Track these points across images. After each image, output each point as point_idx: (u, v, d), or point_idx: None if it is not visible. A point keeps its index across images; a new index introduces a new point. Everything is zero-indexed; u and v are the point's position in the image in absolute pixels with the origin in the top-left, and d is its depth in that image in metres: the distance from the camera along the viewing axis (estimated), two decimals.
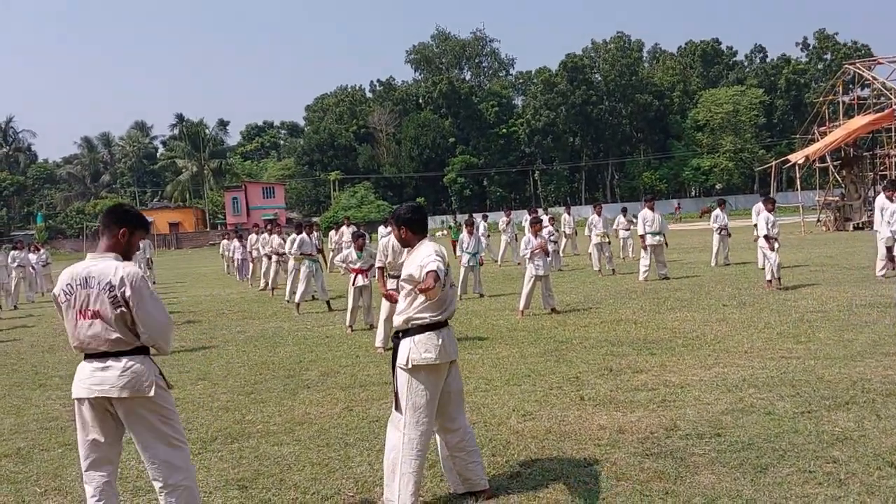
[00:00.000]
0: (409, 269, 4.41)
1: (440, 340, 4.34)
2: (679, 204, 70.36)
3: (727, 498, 4.22)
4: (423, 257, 4.31)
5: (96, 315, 3.66)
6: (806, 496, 4.19)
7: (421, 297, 4.28)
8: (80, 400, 3.75)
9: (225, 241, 26.25)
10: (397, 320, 4.45)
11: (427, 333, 4.33)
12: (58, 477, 5.34)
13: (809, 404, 5.97)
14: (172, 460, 3.76)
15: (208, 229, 78.40)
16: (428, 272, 4.14)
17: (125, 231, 3.83)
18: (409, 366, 4.30)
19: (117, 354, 3.70)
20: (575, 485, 4.59)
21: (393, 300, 4.73)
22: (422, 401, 4.31)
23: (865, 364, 7.25)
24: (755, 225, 17.99)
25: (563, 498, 4.41)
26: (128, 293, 3.66)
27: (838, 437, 5.13)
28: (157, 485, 3.80)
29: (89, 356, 3.75)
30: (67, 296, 3.73)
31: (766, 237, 13.57)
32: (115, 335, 3.67)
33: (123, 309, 3.66)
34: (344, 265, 12.03)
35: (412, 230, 4.57)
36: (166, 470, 3.75)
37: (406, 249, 9.45)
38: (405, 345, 4.35)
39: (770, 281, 13.54)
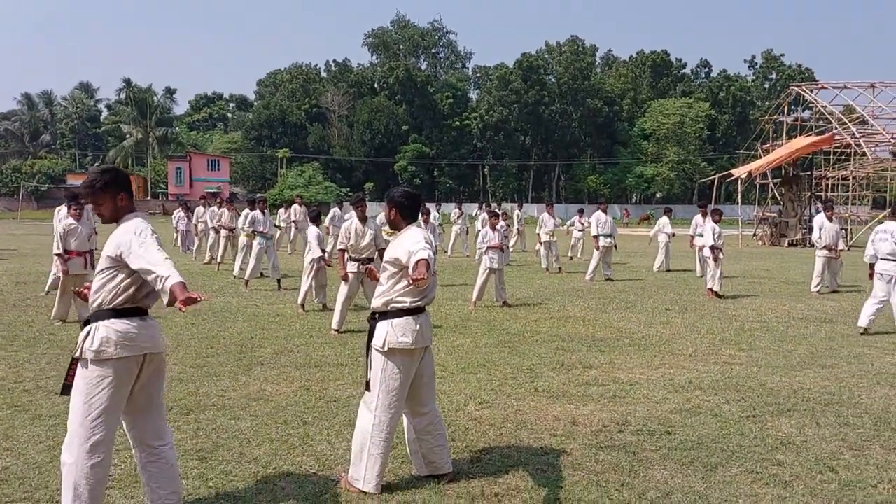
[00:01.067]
0: (395, 253, 4.44)
1: (418, 326, 4.39)
2: (627, 210, 71.73)
3: (680, 493, 4.41)
4: (413, 243, 4.34)
5: None
6: (754, 495, 4.40)
7: (404, 282, 4.32)
8: (129, 358, 3.71)
9: (177, 211, 25.65)
10: (377, 302, 4.48)
11: (406, 318, 4.38)
12: (9, 438, 5.21)
13: (754, 409, 6.24)
14: (165, 417, 4.02)
15: (149, 198, 76.41)
16: (419, 261, 4.15)
17: None
18: (386, 348, 4.34)
19: (148, 312, 3.89)
20: (534, 472, 4.72)
21: (373, 277, 4.74)
22: (395, 384, 4.36)
23: (804, 374, 7.60)
24: (692, 235, 18.60)
25: (523, 484, 4.53)
26: None
27: (782, 442, 5.39)
28: (157, 444, 3.86)
29: (138, 314, 3.79)
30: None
31: (713, 247, 14.01)
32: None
33: None
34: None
35: (402, 214, 4.60)
36: (165, 426, 3.96)
37: (369, 231, 9.58)
38: (382, 327, 4.39)
39: (711, 289, 13.99)
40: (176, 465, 3.96)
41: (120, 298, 3.71)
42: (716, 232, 14.14)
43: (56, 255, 10.03)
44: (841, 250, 15.30)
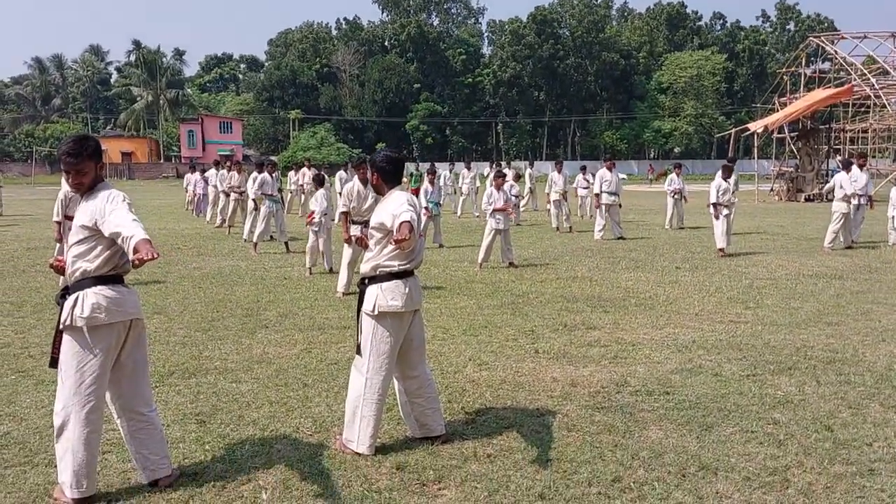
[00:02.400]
0: (380, 217, 4.42)
1: (407, 289, 4.39)
2: (652, 166, 70.42)
3: (673, 453, 4.41)
4: (396, 206, 4.32)
5: None
6: (748, 454, 4.40)
7: (391, 246, 4.31)
8: (118, 324, 3.75)
9: (188, 175, 25.63)
10: (365, 267, 4.48)
11: (394, 281, 4.39)
12: (12, 403, 5.29)
13: (755, 368, 6.21)
14: (150, 383, 4.06)
15: (161, 161, 76.62)
16: (402, 223, 4.15)
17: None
18: (376, 312, 4.36)
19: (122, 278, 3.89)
20: (528, 433, 4.74)
21: (364, 245, 4.75)
22: (385, 347, 4.38)
23: (809, 332, 7.55)
24: None
25: (517, 445, 4.55)
26: None
27: (780, 401, 5.37)
28: (145, 410, 3.93)
29: (120, 280, 3.83)
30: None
31: (715, 205, 13.81)
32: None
33: None
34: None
35: (384, 178, 4.57)
36: (150, 392, 4.00)
37: (371, 194, 9.50)
38: (372, 291, 4.40)
39: (721, 249, 13.87)
40: (162, 429, 4.03)
41: (104, 266, 3.72)
42: (720, 189, 13.92)
43: (55, 221, 9.78)
44: (871, 198, 15.27)
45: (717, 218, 13.77)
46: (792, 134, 35.61)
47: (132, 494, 3.85)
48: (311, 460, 4.34)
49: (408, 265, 4.43)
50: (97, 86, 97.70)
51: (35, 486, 3.93)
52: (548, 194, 19.78)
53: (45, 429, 4.76)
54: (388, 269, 4.39)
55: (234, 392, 5.60)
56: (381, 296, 4.35)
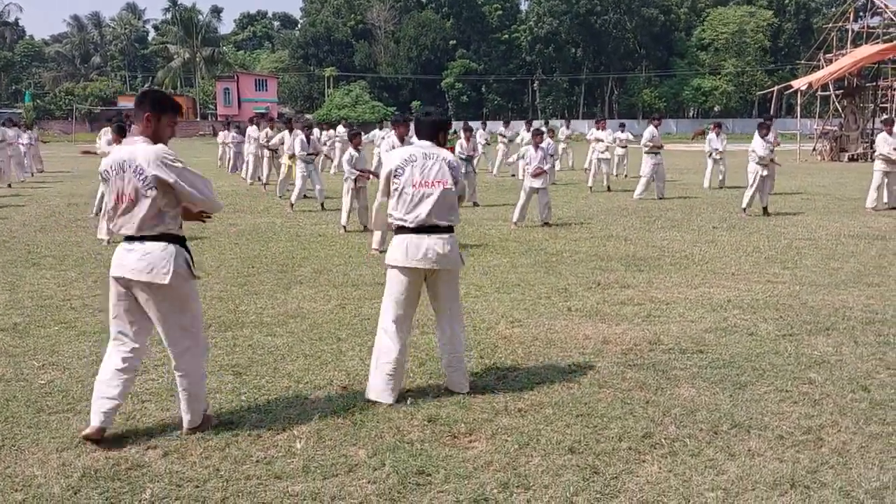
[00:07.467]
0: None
1: (405, 245, 4.51)
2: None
3: (705, 410, 4.39)
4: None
5: (129, 198, 3.82)
6: (781, 413, 4.36)
7: (392, 199, 4.59)
8: (113, 278, 3.94)
9: (222, 133, 25.78)
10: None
11: (398, 236, 4.58)
12: (55, 353, 5.45)
13: (791, 328, 6.13)
14: (183, 345, 3.99)
15: (198, 119, 77.05)
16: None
17: (149, 116, 3.91)
18: (386, 262, 4.64)
19: (141, 238, 3.85)
20: (559, 389, 4.75)
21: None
22: (388, 296, 4.61)
23: (849, 292, 7.42)
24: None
25: (547, 400, 4.56)
26: (154, 173, 3.77)
27: (816, 361, 5.30)
28: (174, 362, 4.05)
29: (125, 238, 3.93)
30: (106, 181, 3.92)
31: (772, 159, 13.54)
32: (139, 219, 3.81)
33: (154, 190, 3.78)
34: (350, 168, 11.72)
35: (417, 135, 4.87)
36: (174, 350, 4.01)
37: None
38: (392, 241, 4.64)
39: (763, 207, 13.62)
40: (199, 383, 4.10)
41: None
42: (765, 147, 13.59)
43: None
44: None
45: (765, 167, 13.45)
46: (837, 92, 34.54)
47: (170, 440, 3.96)
48: (345, 412, 4.40)
49: (404, 222, 4.52)
50: (135, 44, 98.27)
51: (77, 432, 4.04)
52: (594, 150, 19.51)
53: (86, 378, 4.88)
54: (395, 223, 4.59)
55: (270, 345, 5.69)
56: (391, 248, 4.58)
